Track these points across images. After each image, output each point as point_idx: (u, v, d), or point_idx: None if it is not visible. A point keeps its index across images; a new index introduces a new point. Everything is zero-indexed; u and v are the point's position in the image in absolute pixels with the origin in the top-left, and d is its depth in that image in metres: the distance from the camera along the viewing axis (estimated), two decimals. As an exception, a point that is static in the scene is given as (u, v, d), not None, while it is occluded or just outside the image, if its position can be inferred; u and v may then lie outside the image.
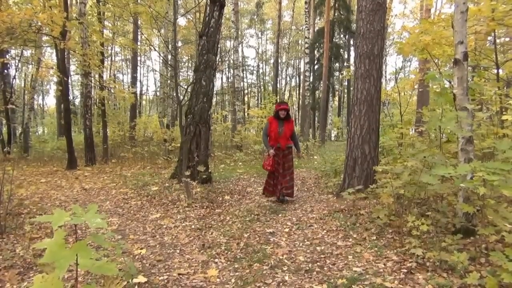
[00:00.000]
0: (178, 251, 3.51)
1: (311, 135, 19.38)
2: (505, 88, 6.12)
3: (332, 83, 21.19)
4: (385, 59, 29.39)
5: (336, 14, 19.63)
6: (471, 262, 2.62)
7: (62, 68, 10.27)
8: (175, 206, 5.23)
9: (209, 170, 6.99)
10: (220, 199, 5.72)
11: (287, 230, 4.05)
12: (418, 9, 21.87)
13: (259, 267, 3.01)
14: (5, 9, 8.00)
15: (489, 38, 6.28)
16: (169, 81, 17.84)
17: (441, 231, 3.27)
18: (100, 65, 11.58)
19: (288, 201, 5.40)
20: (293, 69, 36.52)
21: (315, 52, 20.40)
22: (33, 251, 3.27)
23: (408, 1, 25.73)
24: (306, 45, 18.79)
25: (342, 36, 21.33)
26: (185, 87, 9.86)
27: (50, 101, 47.07)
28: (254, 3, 29.67)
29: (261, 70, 37.22)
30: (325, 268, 2.92)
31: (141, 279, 2.72)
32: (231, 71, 24.89)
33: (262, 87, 37.02)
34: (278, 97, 23.61)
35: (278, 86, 28.78)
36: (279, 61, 30.49)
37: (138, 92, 24.52)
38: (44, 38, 12.31)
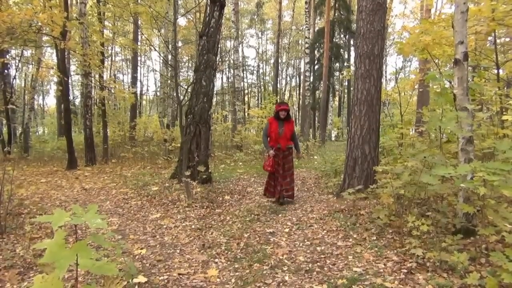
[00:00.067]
0: (178, 251, 3.51)
1: (311, 135, 19.38)
2: (505, 88, 6.12)
3: (332, 83, 21.19)
4: (385, 59, 29.40)
5: (336, 14, 19.63)
6: (471, 262, 2.62)
7: (62, 68, 10.27)
8: (175, 206, 5.23)
9: (209, 170, 6.99)
10: (220, 199, 5.72)
11: (287, 230, 4.05)
12: (418, 9, 21.89)
13: (259, 267, 3.01)
14: (5, 9, 8.01)
15: (489, 38, 6.28)
16: (169, 81, 17.85)
17: (441, 231, 3.27)
18: (100, 65, 11.59)
19: (288, 202, 5.39)
20: (293, 69, 36.54)
21: (315, 52, 20.40)
22: (33, 251, 3.27)
23: (408, 1, 25.76)
24: (306, 45, 18.80)
25: (342, 36, 21.32)
26: (185, 87, 9.86)
27: (50, 101, 47.11)
28: (254, 3, 29.68)
29: (261, 70, 37.24)
30: (325, 268, 2.92)
31: (141, 279, 2.72)
32: (231, 71, 24.89)
33: (262, 87, 37.03)
34: (278, 97, 23.63)
35: (278, 86, 28.78)
36: (279, 61, 30.49)
37: (138, 92, 24.53)
38: (44, 38, 12.31)
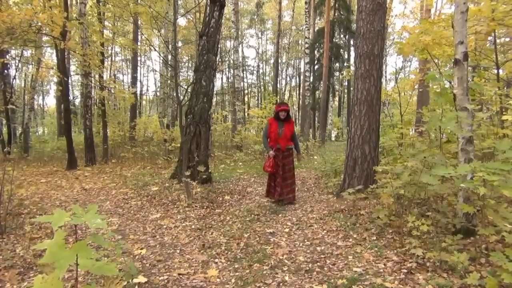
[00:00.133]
0: (178, 251, 3.51)
1: (311, 135, 19.38)
2: (505, 88, 6.12)
3: (332, 83, 21.19)
4: (385, 59, 29.40)
5: (336, 14, 19.63)
6: (471, 262, 2.62)
7: (62, 68, 10.28)
8: (175, 206, 5.23)
9: (209, 170, 7.00)
10: (220, 199, 5.72)
11: (287, 230, 4.05)
12: (418, 9, 21.89)
13: (259, 267, 3.01)
14: (5, 9, 8.01)
15: (489, 38, 6.28)
16: (169, 81, 17.84)
17: (441, 231, 3.27)
18: (100, 65, 11.59)
19: (287, 203, 5.37)
20: (293, 69, 36.55)
21: (315, 52, 20.40)
22: (33, 251, 3.27)
23: (408, 1, 25.76)
24: (306, 45, 18.79)
25: (342, 36, 21.32)
26: (185, 87, 9.86)
27: (50, 101, 47.09)
28: (254, 3, 29.68)
29: (261, 70, 37.25)
30: (325, 268, 2.92)
31: (141, 279, 2.72)
32: (231, 71, 24.90)
33: (262, 87, 37.04)
34: (278, 97, 23.64)
35: (278, 86, 28.78)
36: (279, 61, 30.50)
37: (138, 92, 24.53)
38: (44, 38, 12.32)
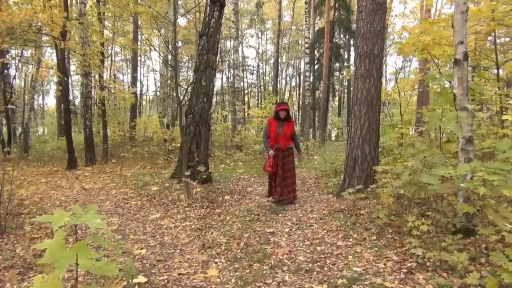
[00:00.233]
0: (178, 251, 3.51)
1: (311, 135, 19.38)
2: (505, 88, 6.12)
3: (332, 83, 21.20)
4: (385, 59, 29.41)
5: (336, 14, 19.63)
6: (471, 262, 2.62)
7: (62, 68, 10.27)
8: (175, 206, 5.23)
9: (209, 170, 6.99)
10: (220, 199, 5.72)
11: (287, 230, 4.05)
12: (418, 9, 21.88)
13: (259, 267, 3.01)
14: (5, 9, 8.00)
15: (489, 38, 6.28)
16: (169, 81, 17.85)
17: (441, 231, 3.27)
18: (100, 65, 11.58)
19: (287, 202, 5.37)
20: (293, 69, 36.55)
21: (315, 52, 20.40)
22: (33, 251, 3.27)
23: (408, 1, 25.74)
24: (306, 45, 18.80)
25: (342, 36, 21.32)
26: (185, 87, 9.86)
27: (50, 101, 47.12)
28: (254, 3, 29.68)
29: (261, 70, 37.25)
30: (325, 268, 2.92)
31: (141, 279, 2.72)
32: (231, 71, 24.89)
33: (262, 87, 37.04)
34: (278, 97, 23.64)
35: (278, 86, 28.78)
36: (279, 61, 30.49)
37: (138, 92, 24.54)
38: (44, 38, 12.32)
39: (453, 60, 3.26)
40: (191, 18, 18.44)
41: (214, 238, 3.83)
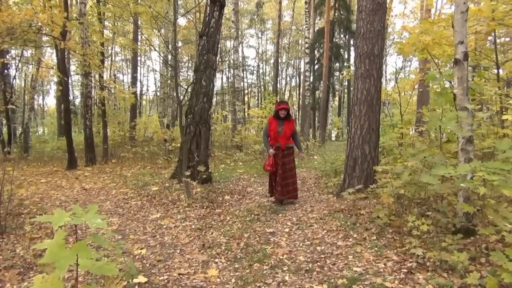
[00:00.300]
0: (178, 251, 3.51)
1: (311, 135, 19.39)
2: (505, 88, 6.12)
3: (332, 83, 21.20)
4: (385, 59, 29.41)
5: (336, 14, 19.63)
6: (471, 262, 2.62)
7: (62, 68, 10.28)
8: (175, 206, 5.23)
9: (209, 170, 7.00)
10: (220, 199, 5.72)
11: (287, 230, 4.05)
12: (418, 9, 21.89)
13: (259, 267, 3.01)
14: (5, 9, 8.00)
15: (489, 38, 6.28)
16: (169, 81, 17.85)
17: (441, 231, 3.27)
18: (100, 65, 11.58)
19: (288, 203, 5.36)
20: (293, 69, 36.56)
21: (315, 52, 20.41)
22: (33, 251, 3.27)
23: (408, 1, 25.76)
24: (306, 45, 18.79)
25: (342, 36, 21.33)
26: (185, 87, 9.86)
27: (50, 101, 47.14)
28: (254, 3, 29.69)
29: (261, 70, 37.25)
30: (325, 268, 2.92)
31: (141, 279, 2.73)
32: (231, 71, 24.89)
33: (262, 87, 37.04)
34: (278, 97, 23.65)
35: (278, 86, 28.79)
36: (279, 61, 30.50)
37: (138, 92, 24.55)
38: (44, 38, 12.31)
39: (453, 60, 3.26)
40: (191, 18, 18.44)
41: (214, 238, 3.83)
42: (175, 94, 10.92)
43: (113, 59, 27.40)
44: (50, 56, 23.79)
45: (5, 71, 13.04)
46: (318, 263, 3.03)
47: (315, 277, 2.76)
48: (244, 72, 31.91)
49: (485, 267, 2.57)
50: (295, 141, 5.41)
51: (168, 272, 2.97)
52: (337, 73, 21.61)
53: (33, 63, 16.63)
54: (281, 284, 2.68)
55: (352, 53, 21.82)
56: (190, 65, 29.69)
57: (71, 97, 21.88)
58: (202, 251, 3.48)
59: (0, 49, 9.12)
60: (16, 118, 17.16)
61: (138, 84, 26.23)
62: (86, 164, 10.39)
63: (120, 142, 14.30)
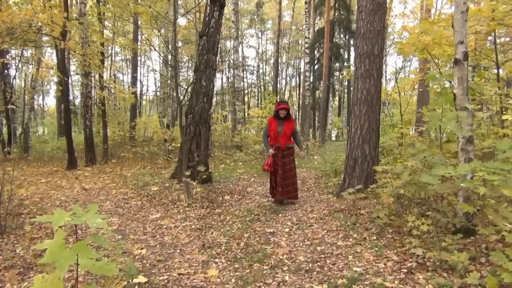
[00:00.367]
0: (178, 251, 3.51)
1: (311, 135, 19.39)
2: (505, 88, 6.12)
3: (332, 83, 21.20)
4: (385, 59, 29.41)
5: (336, 14, 19.63)
6: (471, 262, 2.62)
7: (62, 68, 10.28)
8: (175, 206, 5.23)
9: (209, 170, 7.00)
10: (220, 199, 5.72)
11: (287, 230, 4.05)
12: (418, 9, 21.88)
13: (259, 267, 3.01)
14: (5, 9, 8.00)
15: (489, 38, 6.28)
16: (169, 81, 17.85)
17: (441, 231, 3.27)
18: (100, 65, 11.58)
19: (288, 203, 5.36)
20: (293, 69, 36.55)
21: (315, 52, 20.41)
22: (33, 251, 3.27)
23: (408, 1, 25.77)
24: (306, 45, 18.79)
25: (342, 36, 21.33)
26: (185, 87, 9.86)
27: (50, 101, 47.13)
28: (254, 3, 29.69)
29: (261, 70, 37.25)
30: (325, 268, 2.92)
31: (141, 279, 2.72)
32: (231, 71, 24.90)
33: (262, 87, 37.04)
34: (278, 97, 23.65)
35: (278, 86, 28.79)
36: (279, 61, 30.50)
37: (138, 92, 24.54)
38: (44, 38, 12.31)
39: (453, 60, 3.26)
40: (191, 18, 18.44)
41: (214, 238, 3.83)
42: (175, 94, 10.92)
43: (113, 59, 27.41)
44: (50, 56, 23.82)
45: (5, 71, 13.03)
46: (318, 263, 3.03)
47: (315, 277, 2.76)
48: (244, 72, 31.92)
49: (485, 267, 2.57)
50: (295, 140, 5.39)
51: (168, 272, 2.97)
52: (337, 73, 21.62)
53: (33, 63, 16.63)
54: (281, 284, 2.68)
55: (352, 53, 21.83)
56: (190, 65, 29.69)
57: (71, 97, 21.88)
58: (202, 251, 3.48)
59: (0, 49, 9.12)
60: (16, 118, 17.16)
61: (138, 84, 26.24)
62: (86, 164, 10.39)
63: (120, 142, 14.30)
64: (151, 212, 5.00)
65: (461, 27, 3.20)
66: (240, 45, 23.19)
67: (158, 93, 22.54)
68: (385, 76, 23.65)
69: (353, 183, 5.05)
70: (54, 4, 9.71)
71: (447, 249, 2.79)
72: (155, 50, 20.27)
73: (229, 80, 30.58)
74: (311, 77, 21.35)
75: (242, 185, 6.97)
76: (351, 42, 21.37)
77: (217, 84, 31.41)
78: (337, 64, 20.63)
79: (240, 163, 10.50)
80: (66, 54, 12.08)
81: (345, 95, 28.99)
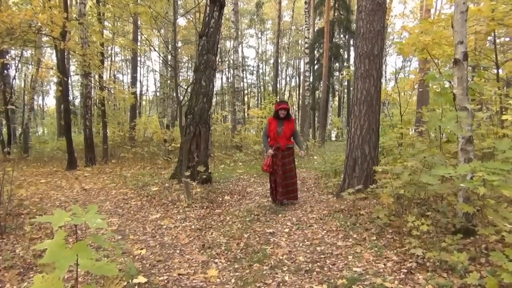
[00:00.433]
0: (178, 251, 3.51)
1: (311, 135, 19.40)
2: (505, 88, 6.12)
3: (332, 83, 21.20)
4: (385, 59, 29.44)
5: (336, 14, 19.63)
6: (471, 262, 2.62)
7: (62, 69, 10.27)
8: (175, 206, 5.23)
9: (209, 171, 7.00)
10: (220, 199, 5.72)
11: (287, 230, 4.05)
12: (418, 9, 21.89)
13: (259, 267, 3.01)
14: (5, 10, 8.00)
15: (489, 38, 6.28)
16: (169, 82, 17.86)
17: (441, 231, 3.27)
18: (100, 66, 11.58)
19: (288, 203, 5.35)
20: (293, 69, 36.57)
21: (315, 52, 20.41)
22: (33, 251, 3.27)
23: (408, 1, 25.78)
24: (306, 45, 18.80)
25: (342, 36, 21.34)
26: (185, 87, 9.87)
27: (50, 102, 47.09)
28: (254, 3, 29.69)
29: (261, 70, 37.27)
30: (325, 268, 2.92)
31: (141, 279, 2.72)
32: (231, 71, 24.90)
33: (262, 87, 37.06)
34: (278, 97, 23.65)
35: (278, 86, 28.82)
36: (279, 61, 30.51)
37: (138, 93, 24.51)
38: (44, 38, 12.31)
39: (453, 60, 3.26)
40: (191, 18, 18.44)
41: (214, 239, 3.83)
42: (175, 95, 10.93)
43: (113, 59, 27.41)
44: (50, 56, 23.83)
45: (5, 71, 13.03)
46: (318, 263, 3.03)
47: (315, 277, 2.76)
48: (244, 72, 31.92)
49: (485, 267, 2.57)
50: (296, 140, 5.37)
51: (168, 273, 2.97)
52: (337, 73, 21.62)
53: (32, 63, 16.63)
54: (281, 284, 2.68)
55: (352, 53, 21.83)
56: (190, 65, 29.70)
57: (70, 98, 21.90)
58: (202, 251, 3.48)
59: (0, 50, 9.12)
60: (16, 119, 17.16)
61: (138, 84, 26.23)
62: (86, 165, 10.39)
63: (119, 142, 14.30)
64: (151, 213, 5.00)
65: (460, 27, 3.20)
66: (240, 45, 23.21)
67: (158, 93, 22.56)
68: (385, 76, 23.70)
69: (353, 183, 5.05)
70: (53, 4, 9.71)
71: (447, 250, 2.79)
72: (155, 50, 20.26)
73: (229, 80, 30.61)
74: (311, 77, 21.36)
75: (242, 186, 6.97)
76: (351, 42, 21.38)
77: (217, 84, 31.42)
78: (337, 64, 20.64)
79: (240, 164, 10.50)
80: (66, 54, 12.08)
81: (345, 95, 29.00)
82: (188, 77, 28.22)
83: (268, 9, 31.81)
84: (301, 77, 26.13)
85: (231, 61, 19.51)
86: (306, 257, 3.19)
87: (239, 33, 23.79)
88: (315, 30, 20.83)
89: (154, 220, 4.64)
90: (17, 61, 16.13)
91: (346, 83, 25.83)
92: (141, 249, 3.53)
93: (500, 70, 5.86)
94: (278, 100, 17.83)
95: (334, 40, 19.76)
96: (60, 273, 1.41)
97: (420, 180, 3.06)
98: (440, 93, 3.36)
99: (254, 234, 3.92)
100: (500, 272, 2.22)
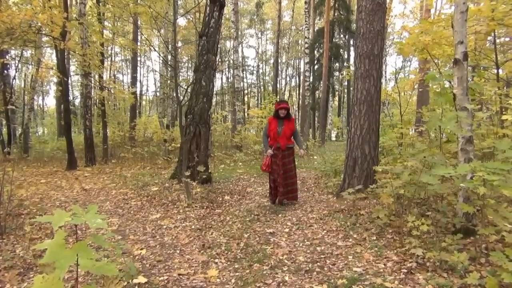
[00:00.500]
0: (178, 251, 3.51)
1: (311, 135, 19.40)
2: (505, 88, 6.12)
3: (332, 83, 21.20)
4: (385, 59, 29.44)
5: (336, 14, 19.63)
6: (471, 262, 2.62)
7: (62, 69, 10.27)
8: (175, 206, 5.23)
9: (209, 171, 7.00)
10: (220, 199, 5.72)
11: (287, 230, 4.05)
12: (418, 9, 21.89)
13: (259, 267, 3.01)
14: (5, 10, 8.00)
15: (489, 38, 6.28)
16: (169, 82, 17.86)
17: (441, 231, 3.27)
18: (100, 66, 11.59)
19: (288, 203, 5.35)
20: (293, 69, 36.58)
21: (315, 52, 20.40)
22: (33, 251, 3.27)
23: (408, 1, 25.78)
24: (306, 45, 18.80)
25: (342, 36, 21.33)
26: (185, 87, 9.87)
27: (50, 102, 47.10)
28: (254, 3, 29.69)
29: (261, 70, 37.28)
30: (325, 268, 2.92)
31: (141, 279, 2.72)
32: (231, 71, 24.91)
33: (262, 87, 37.06)
34: (278, 97, 23.65)
35: (278, 86, 28.83)
36: (279, 61, 30.52)
37: (138, 93, 24.51)
38: (44, 38, 12.30)
39: (453, 60, 3.26)
40: (191, 18, 18.44)
41: (214, 239, 3.83)
42: (175, 95, 10.93)
43: (113, 59, 27.42)
44: (50, 56, 23.82)
45: (5, 71, 13.03)
46: (318, 263, 3.03)
47: (315, 277, 2.76)
48: (244, 72, 31.92)
49: (485, 267, 2.57)
50: (296, 140, 5.36)
51: (168, 273, 2.97)
52: (337, 73, 21.61)
53: (32, 63, 16.62)
54: (281, 284, 2.68)
55: (352, 53, 21.84)
56: (190, 65, 29.70)
57: (70, 98, 21.89)
58: (202, 251, 3.48)
59: (0, 50, 9.11)
60: (16, 119, 17.16)
61: (138, 84, 26.23)
62: (86, 165, 10.39)
63: (120, 142, 14.30)
64: (151, 213, 5.00)
65: (460, 27, 3.20)
66: (240, 45, 23.22)
67: (158, 93, 22.57)
68: (385, 76, 23.70)
69: (353, 183, 5.05)
70: (53, 4, 9.71)
71: (447, 249, 2.79)
72: (155, 50, 20.27)
73: (229, 80, 30.61)
74: (311, 77, 21.36)
75: (242, 185, 6.97)
76: (351, 42, 21.39)
77: (217, 84, 31.43)
78: (337, 64, 20.63)
79: (240, 163, 10.50)
80: (66, 54, 12.08)
81: (345, 95, 29.01)
82: (188, 77, 28.22)
83: (268, 9, 31.81)
84: (301, 77, 26.14)
85: (231, 61, 19.52)
86: (306, 257, 3.19)
87: (239, 33, 23.80)
88: (315, 30, 20.83)
89: (154, 220, 4.64)
90: (17, 61, 16.13)
91: (346, 83, 25.84)
92: (141, 249, 3.53)
93: (500, 70, 5.86)
94: (278, 100, 17.87)
95: (334, 40, 19.76)
96: (60, 273, 1.41)
97: (420, 180, 3.06)
98: (440, 93, 3.36)
99: (254, 234, 3.92)
100: (500, 272, 2.22)
